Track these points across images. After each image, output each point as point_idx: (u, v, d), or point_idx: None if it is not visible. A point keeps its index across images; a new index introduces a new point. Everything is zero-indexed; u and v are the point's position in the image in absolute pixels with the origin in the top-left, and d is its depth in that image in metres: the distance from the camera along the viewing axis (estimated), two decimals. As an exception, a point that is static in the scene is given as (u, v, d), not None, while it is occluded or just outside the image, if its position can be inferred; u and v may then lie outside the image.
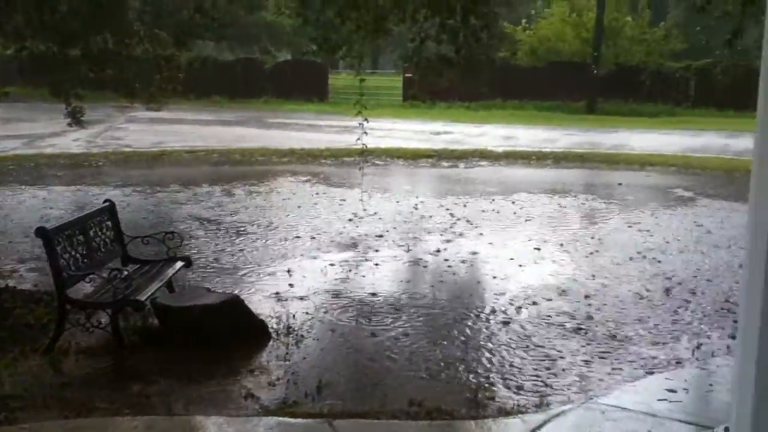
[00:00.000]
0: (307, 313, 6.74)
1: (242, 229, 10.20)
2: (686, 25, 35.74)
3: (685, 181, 15.08)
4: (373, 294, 7.40)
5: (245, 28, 35.76)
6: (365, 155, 11.50)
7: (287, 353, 5.80)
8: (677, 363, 5.73)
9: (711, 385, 5.39)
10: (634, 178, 15.35)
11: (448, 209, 11.71)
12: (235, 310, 6.12)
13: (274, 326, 6.29)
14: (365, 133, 8.96)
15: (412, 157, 18.03)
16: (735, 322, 6.56)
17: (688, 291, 7.63)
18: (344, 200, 12.31)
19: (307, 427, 4.61)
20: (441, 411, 4.82)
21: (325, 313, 6.81)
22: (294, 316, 6.59)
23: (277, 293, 7.33)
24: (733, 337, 6.14)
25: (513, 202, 12.41)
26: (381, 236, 9.84)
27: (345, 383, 5.32)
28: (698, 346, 6.07)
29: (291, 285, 7.62)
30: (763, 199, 1.78)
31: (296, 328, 6.29)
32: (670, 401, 4.95)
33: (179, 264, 6.90)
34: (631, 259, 8.86)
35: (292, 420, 4.67)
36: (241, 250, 9.05)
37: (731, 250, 9.27)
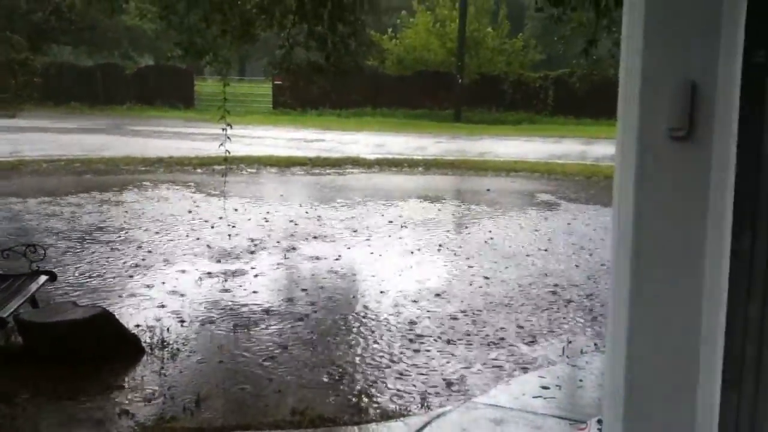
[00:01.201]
0: (182, 325, 6.56)
1: (110, 240, 9.80)
2: (543, 35, 37.29)
3: (549, 186, 15.70)
4: (251, 304, 7.28)
5: (104, 32, 34.54)
6: (229, 163, 11.32)
7: (163, 367, 5.61)
8: (548, 361, 5.95)
9: (581, 380, 5.62)
10: (502, 184, 15.86)
11: (323, 217, 11.70)
12: (104, 324, 5.86)
13: (148, 340, 6.08)
14: (228, 138, 8.78)
15: (285, 164, 17.91)
16: (596, 319, 6.89)
17: (554, 291, 7.94)
18: (216, 209, 12.07)
19: (186, 443, 4.48)
20: (324, 418, 4.80)
21: (202, 325, 6.64)
22: (168, 329, 6.39)
23: (149, 306, 7.09)
24: (600, 335, 6.45)
25: (387, 209, 12.55)
26: (256, 245, 9.71)
27: (224, 395, 5.20)
28: (567, 344, 6.33)
29: (165, 297, 7.38)
30: (626, 204, 1.89)
31: (171, 342, 6.11)
32: (545, 398, 5.13)
33: (43, 278, 6.55)
34: (499, 261, 9.13)
35: (171, 436, 4.53)
36: (110, 263, 8.70)
37: (594, 251, 9.72)
